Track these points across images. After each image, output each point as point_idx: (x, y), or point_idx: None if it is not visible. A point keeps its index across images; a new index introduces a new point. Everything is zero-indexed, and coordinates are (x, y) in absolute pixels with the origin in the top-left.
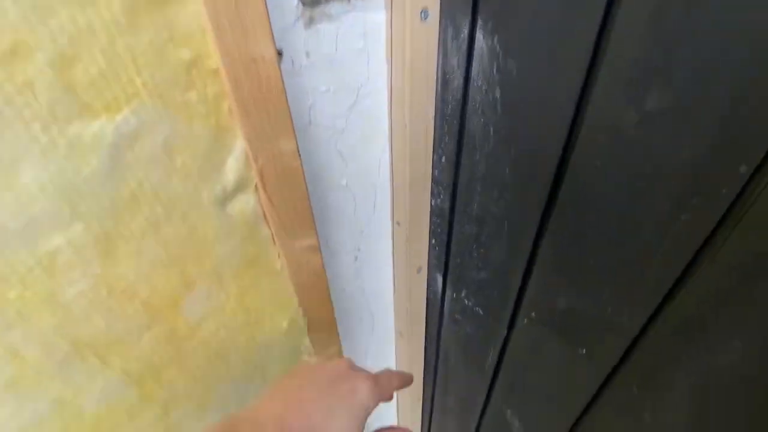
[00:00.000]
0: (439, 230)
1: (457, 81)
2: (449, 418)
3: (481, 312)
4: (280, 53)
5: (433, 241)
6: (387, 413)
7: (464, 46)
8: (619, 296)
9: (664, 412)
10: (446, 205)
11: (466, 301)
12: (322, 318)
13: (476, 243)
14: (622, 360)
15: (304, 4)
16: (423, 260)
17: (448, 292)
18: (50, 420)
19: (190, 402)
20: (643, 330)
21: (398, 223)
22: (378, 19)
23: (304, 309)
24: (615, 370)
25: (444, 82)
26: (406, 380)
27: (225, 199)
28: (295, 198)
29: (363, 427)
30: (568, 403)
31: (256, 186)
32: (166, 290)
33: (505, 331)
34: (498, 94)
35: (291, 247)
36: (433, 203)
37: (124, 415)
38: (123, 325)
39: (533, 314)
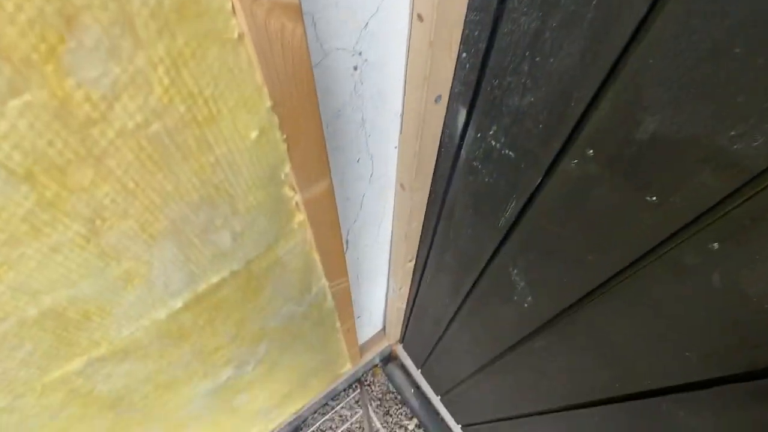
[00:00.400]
0: (476, 32)
1: None
2: (443, 275)
3: (511, 155)
4: None
5: (464, 54)
6: (378, 270)
7: None
8: (762, 112)
9: (746, 276)
10: None
11: (493, 142)
12: (308, 136)
13: (532, 47)
14: (716, 206)
15: None
16: (445, 84)
17: (470, 132)
18: None
19: (129, 222)
20: None
21: (420, 17)
22: None
23: (280, 117)
24: (696, 219)
25: None
26: None
27: None
28: None
29: None
30: (600, 262)
31: None
32: (25, 16)
33: (540, 178)
34: None
35: None
36: None
37: (21, 224)
38: None
39: (591, 151)
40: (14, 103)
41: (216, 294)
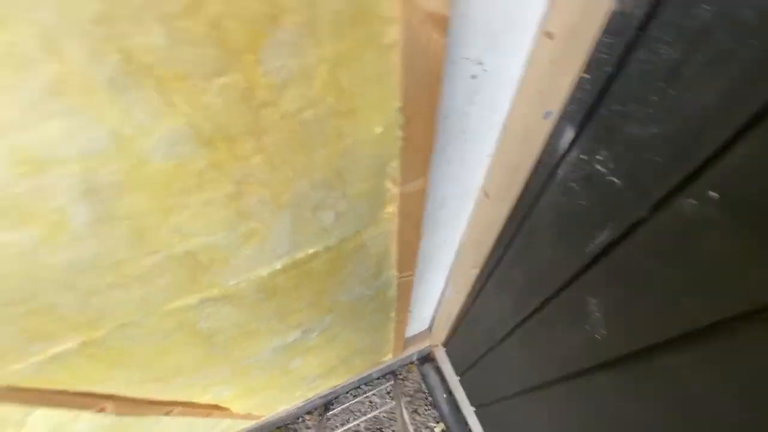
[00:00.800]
0: (606, 55)
1: None
2: (507, 290)
3: (618, 183)
4: None
5: (587, 75)
6: (440, 271)
7: None
8: None
9: None
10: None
11: (599, 167)
12: (422, 137)
13: (667, 79)
14: None
15: None
16: (559, 101)
17: (574, 152)
18: (111, 156)
19: (266, 190)
20: None
21: (549, 34)
22: None
23: (405, 117)
24: None
25: None
26: None
27: None
28: None
29: None
30: (699, 309)
31: None
32: (247, 14)
33: (646, 212)
34: None
35: (413, 5)
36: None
37: (193, 179)
38: (189, 51)
39: (714, 194)
40: (218, 81)
41: (308, 264)
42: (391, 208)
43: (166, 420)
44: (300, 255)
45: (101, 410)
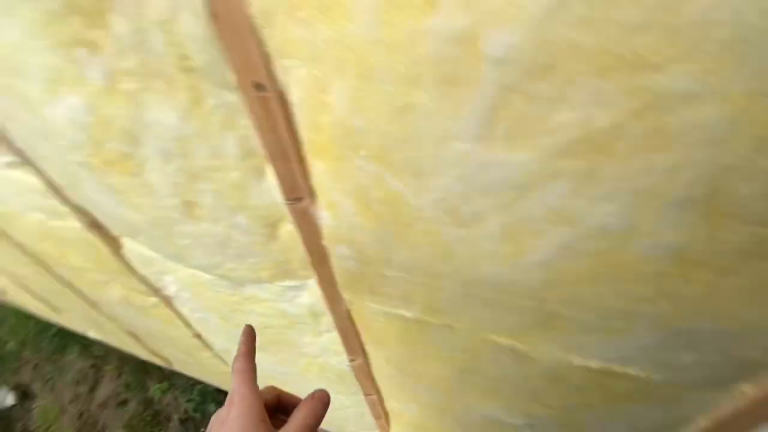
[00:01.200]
0: None
1: None
2: None
3: None
4: None
5: None
6: None
7: None
8: None
9: None
10: None
11: None
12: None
13: None
14: None
15: None
16: None
17: None
18: (608, 238)
19: (667, 307)
20: None
21: None
22: None
23: None
24: None
25: None
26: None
27: None
28: None
29: None
30: None
31: None
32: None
33: None
34: None
35: None
36: None
37: (632, 273)
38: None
39: None
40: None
41: (611, 380)
42: (750, 391)
43: (358, 398)
44: (617, 369)
45: (352, 360)
